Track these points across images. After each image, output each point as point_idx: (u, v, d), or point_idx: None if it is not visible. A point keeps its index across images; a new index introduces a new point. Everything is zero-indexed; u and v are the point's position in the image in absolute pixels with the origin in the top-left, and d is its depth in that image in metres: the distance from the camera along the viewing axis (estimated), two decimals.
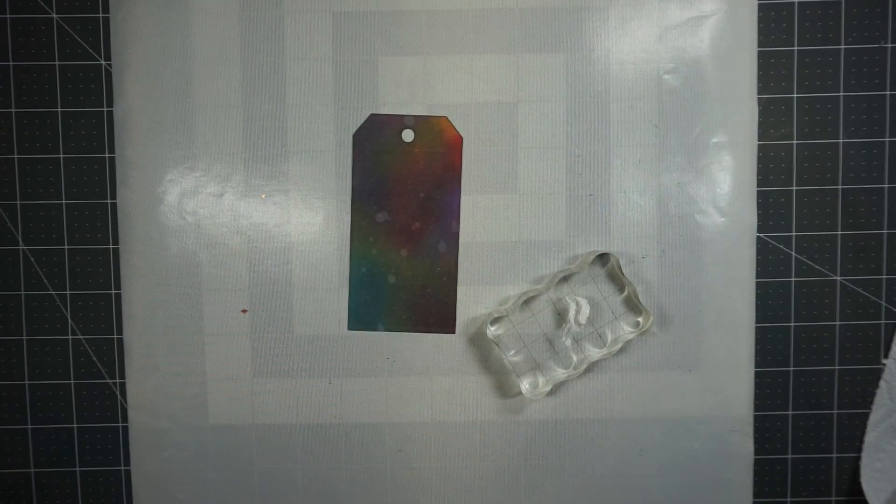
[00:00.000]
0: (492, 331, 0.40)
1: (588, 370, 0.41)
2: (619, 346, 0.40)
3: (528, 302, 0.41)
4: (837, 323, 0.41)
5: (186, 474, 0.41)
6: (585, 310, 0.40)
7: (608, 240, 0.41)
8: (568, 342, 0.40)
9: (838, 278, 0.41)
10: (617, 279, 0.41)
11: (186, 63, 0.40)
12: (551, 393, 0.41)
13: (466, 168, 0.41)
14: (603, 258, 0.41)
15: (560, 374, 0.41)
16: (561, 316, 0.41)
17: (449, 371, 0.41)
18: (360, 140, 0.40)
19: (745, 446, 0.41)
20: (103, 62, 0.41)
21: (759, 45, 0.40)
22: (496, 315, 0.40)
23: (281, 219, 0.41)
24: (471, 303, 0.41)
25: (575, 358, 0.41)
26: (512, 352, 0.41)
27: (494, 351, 0.41)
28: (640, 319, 0.41)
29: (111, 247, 0.41)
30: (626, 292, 0.41)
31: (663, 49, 0.40)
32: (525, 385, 0.41)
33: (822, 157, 0.41)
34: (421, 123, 0.40)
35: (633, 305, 0.41)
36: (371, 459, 0.42)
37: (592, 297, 0.41)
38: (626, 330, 0.41)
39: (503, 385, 0.41)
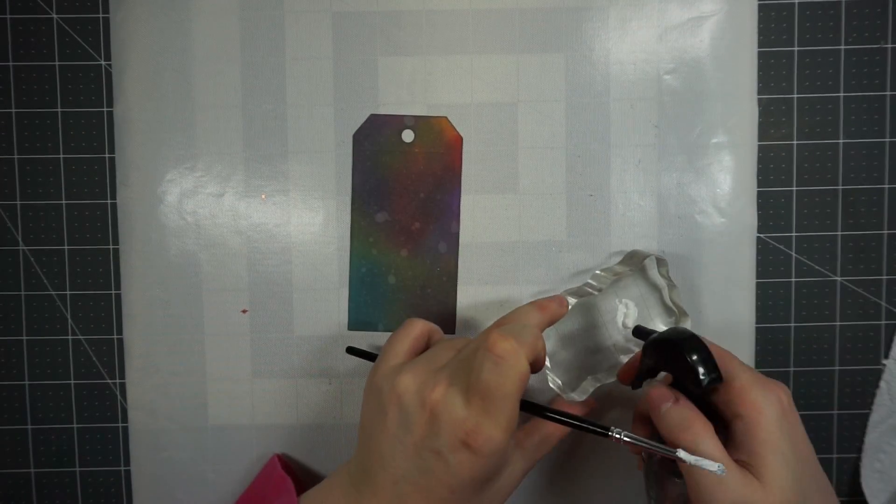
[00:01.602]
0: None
1: None
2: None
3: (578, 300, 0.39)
4: (837, 323, 0.41)
5: (186, 474, 0.41)
6: (633, 313, 0.39)
7: (608, 240, 0.41)
8: (613, 344, 0.39)
9: (838, 278, 0.41)
10: (656, 280, 0.40)
11: (186, 63, 0.40)
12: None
13: (466, 168, 0.41)
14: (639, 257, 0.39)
15: (601, 376, 0.39)
16: (602, 317, 0.40)
17: None
18: (360, 140, 0.40)
19: None
20: (103, 62, 0.41)
21: (759, 45, 0.40)
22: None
23: (281, 219, 0.41)
24: (471, 303, 0.41)
25: (623, 360, 0.39)
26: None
27: None
28: (672, 321, 0.40)
29: (111, 247, 0.41)
30: (664, 294, 0.40)
31: (663, 49, 0.40)
32: (558, 385, 0.39)
33: (822, 157, 0.41)
34: (421, 123, 0.40)
35: (667, 307, 0.40)
36: None
37: (641, 298, 0.40)
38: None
39: None
